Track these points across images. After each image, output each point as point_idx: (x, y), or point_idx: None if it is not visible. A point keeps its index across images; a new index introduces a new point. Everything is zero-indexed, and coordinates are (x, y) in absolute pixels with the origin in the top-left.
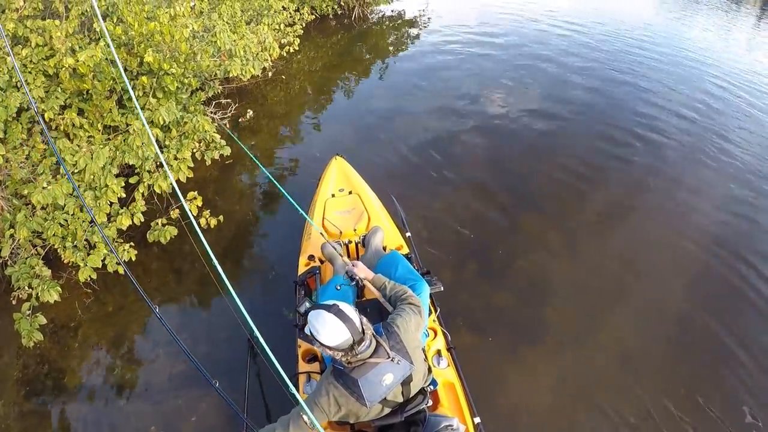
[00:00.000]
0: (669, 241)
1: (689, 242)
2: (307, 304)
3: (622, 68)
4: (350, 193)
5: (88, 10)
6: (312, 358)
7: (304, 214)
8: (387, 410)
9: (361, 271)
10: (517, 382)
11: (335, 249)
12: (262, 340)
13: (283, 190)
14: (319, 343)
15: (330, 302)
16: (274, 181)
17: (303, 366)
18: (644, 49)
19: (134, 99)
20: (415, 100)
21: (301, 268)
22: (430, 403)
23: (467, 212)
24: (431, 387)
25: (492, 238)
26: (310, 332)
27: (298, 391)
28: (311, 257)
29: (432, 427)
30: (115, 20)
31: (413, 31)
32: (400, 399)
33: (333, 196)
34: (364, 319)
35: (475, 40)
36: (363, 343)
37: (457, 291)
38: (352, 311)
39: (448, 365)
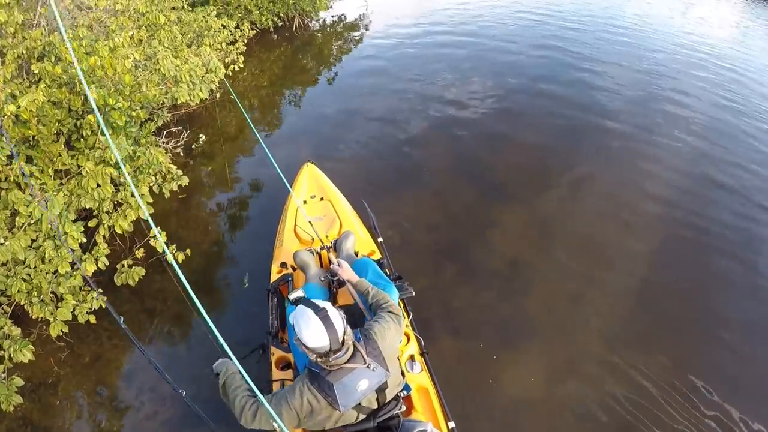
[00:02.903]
0: (634, 216)
1: (656, 219)
2: (300, 293)
3: (569, 51)
4: (322, 199)
5: (24, 52)
6: (285, 365)
7: (290, 189)
8: (362, 416)
9: (346, 272)
10: (491, 385)
11: (308, 257)
12: (227, 349)
13: (272, 160)
14: (297, 337)
15: (321, 303)
16: (267, 151)
17: (276, 374)
18: (591, 29)
19: (106, 132)
20: (367, 103)
21: (274, 276)
22: (404, 408)
23: (435, 213)
24: (404, 392)
25: (460, 235)
26: (292, 324)
27: None
28: (283, 264)
29: None
30: (53, 59)
31: (356, 35)
32: (375, 405)
33: (305, 202)
34: (348, 330)
35: (418, 37)
36: (339, 353)
37: (427, 295)
38: (339, 320)
39: (422, 370)
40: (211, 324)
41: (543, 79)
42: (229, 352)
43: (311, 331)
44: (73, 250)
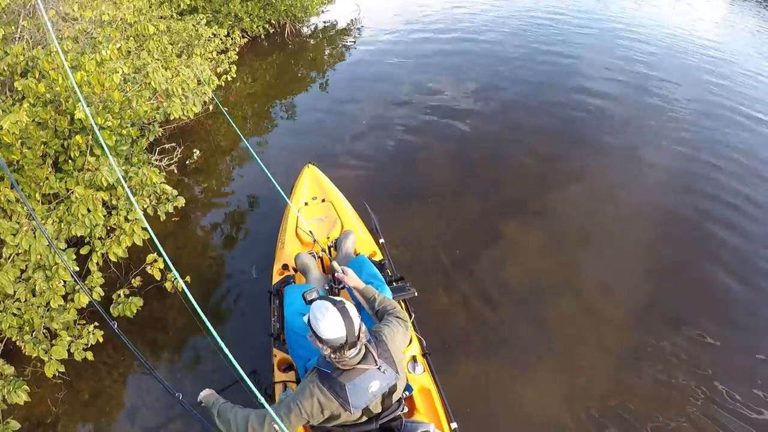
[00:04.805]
0: (648, 226)
1: (675, 230)
2: (316, 294)
3: (572, 59)
4: (323, 201)
5: (6, 69)
6: (287, 367)
7: (291, 205)
8: (364, 418)
9: (352, 279)
10: (493, 386)
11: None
12: (228, 352)
13: (268, 174)
14: (314, 332)
15: (338, 298)
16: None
17: (279, 375)
18: (602, 33)
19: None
20: (363, 111)
21: (275, 278)
22: (406, 409)
23: (441, 227)
24: (406, 393)
25: (468, 249)
26: (309, 320)
27: (275, 400)
28: (285, 267)
29: None
30: (37, 75)
31: (348, 41)
32: (380, 409)
33: (306, 204)
34: (363, 326)
35: (412, 43)
36: (353, 348)
37: (430, 297)
38: (355, 314)
39: (424, 371)
40: (230, 356)
41: (544, 89)
42: (248, 380)
43: (328, 321)
44: (65, 282)
